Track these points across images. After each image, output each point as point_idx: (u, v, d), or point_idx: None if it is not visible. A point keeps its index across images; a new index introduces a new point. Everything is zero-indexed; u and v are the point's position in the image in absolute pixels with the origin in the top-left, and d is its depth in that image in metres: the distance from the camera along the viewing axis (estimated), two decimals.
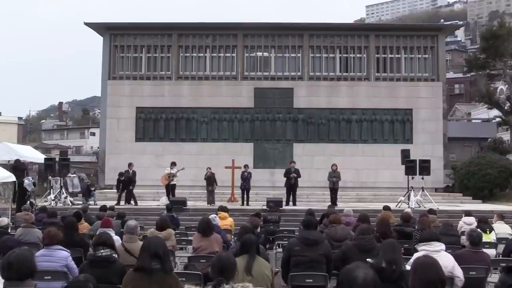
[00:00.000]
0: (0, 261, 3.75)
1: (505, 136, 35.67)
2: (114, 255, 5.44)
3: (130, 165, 19.94)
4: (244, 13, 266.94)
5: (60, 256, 5.97)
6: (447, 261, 5.59)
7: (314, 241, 6.25)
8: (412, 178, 19.76)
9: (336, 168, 19.83)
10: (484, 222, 9.68)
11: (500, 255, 8.63)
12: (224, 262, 3.87)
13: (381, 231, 7.46)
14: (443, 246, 5.81)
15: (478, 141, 33.92)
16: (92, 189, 20.81)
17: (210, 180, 19.65)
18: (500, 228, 10.20)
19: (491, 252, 8.71)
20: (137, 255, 4.75)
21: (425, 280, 3.34)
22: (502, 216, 11.10)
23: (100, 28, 27.47)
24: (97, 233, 7.09)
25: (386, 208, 12.50)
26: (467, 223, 10.35)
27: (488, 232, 9.31)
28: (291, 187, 19.38)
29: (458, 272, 5.67)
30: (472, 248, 6.63)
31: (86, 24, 27.00)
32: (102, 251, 5.34)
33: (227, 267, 3.84)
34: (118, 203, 18.47)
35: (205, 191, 20.05)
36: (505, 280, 4.99)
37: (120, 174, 19.78)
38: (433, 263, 3.49)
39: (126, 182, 19.48)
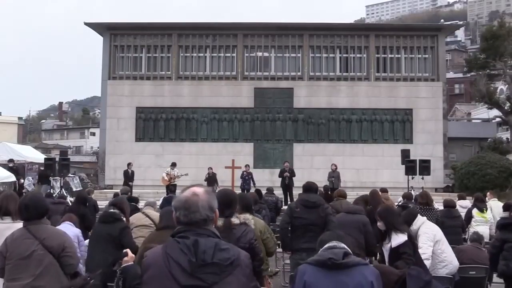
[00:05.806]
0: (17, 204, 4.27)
1: (505, 136, 35.66)
2: (121, 216, 5.99)
3: (129, 165, 19.99)
4: (244, 13, 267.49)
5: (72, 231, 6.54)
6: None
7: (313, 203, 6.48)
8: (412, 178, 19.76)
9: (336, 168, 19.85)
10: (480, 201, 9.95)
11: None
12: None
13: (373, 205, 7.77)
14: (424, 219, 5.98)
15: (478, 141, 33.89)
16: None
17: (211, 180, 19.66)
18: (494, 206, 10.36)
19: (485, 229, 9.17)
20: (153, 218, 6.21)
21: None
22: (495, 193, 11.32)
23: (100, 28, 27.45)
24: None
25: (384, 190, 11.67)
26: (462, 206, 10.53)
27: (484, 211, 9.64)
28: (286, 186, 19.57)
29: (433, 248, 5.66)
30: (474, 245, 6.83)
31: (86, 24, 26.98)
32: (111, 210, 6.02)
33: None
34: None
35: None
36: (499, 236, 5.23)
37: None
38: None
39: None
